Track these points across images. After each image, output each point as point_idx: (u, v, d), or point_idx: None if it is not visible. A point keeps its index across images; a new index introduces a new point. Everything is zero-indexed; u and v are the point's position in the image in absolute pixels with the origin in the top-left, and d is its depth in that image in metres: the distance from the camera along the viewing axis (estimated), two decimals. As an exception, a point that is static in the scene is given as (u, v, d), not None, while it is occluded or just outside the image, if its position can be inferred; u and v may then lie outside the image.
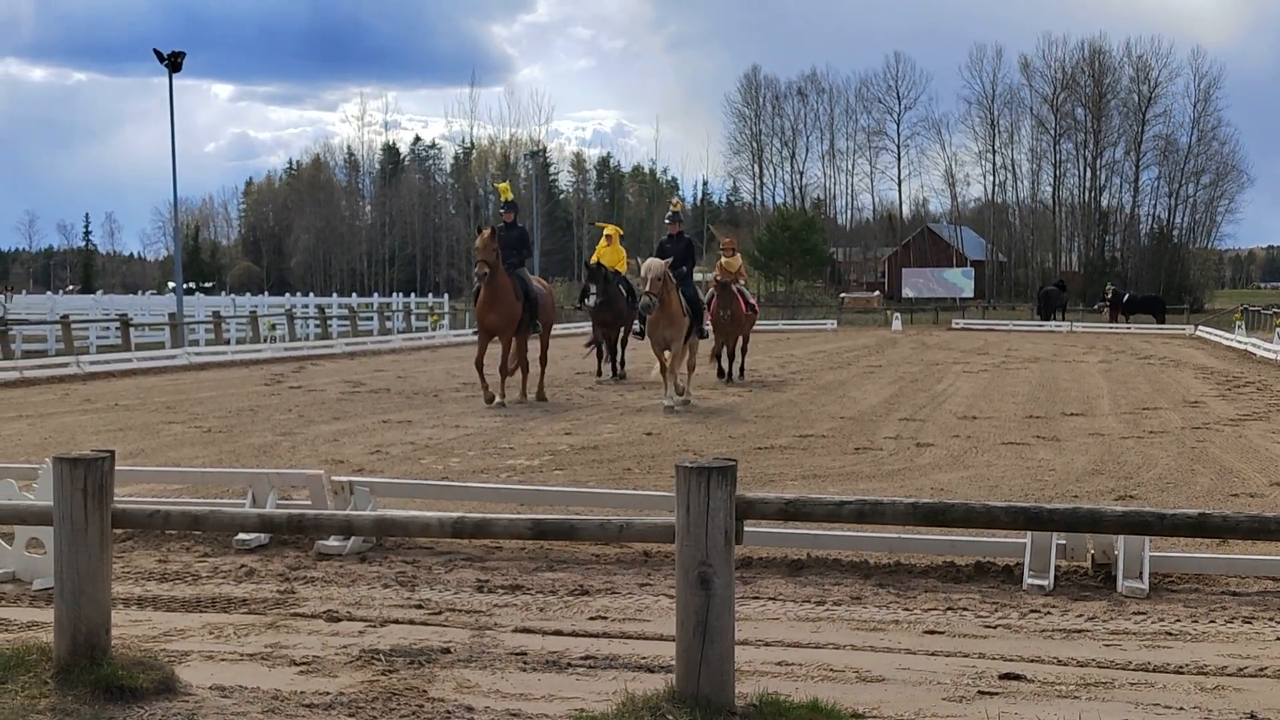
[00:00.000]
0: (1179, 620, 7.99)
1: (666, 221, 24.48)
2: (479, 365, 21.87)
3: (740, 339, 27.36)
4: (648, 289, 20.47)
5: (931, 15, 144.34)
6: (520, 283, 22.32)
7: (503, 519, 6.52)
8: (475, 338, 22.86)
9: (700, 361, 24.17)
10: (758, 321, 31.87)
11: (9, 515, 7.13)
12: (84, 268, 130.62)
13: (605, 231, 28.42)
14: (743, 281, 27.99)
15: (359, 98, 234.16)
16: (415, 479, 12.38)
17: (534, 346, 23.37)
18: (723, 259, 27.38)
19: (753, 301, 28.41)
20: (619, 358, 28.06)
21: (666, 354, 21.29)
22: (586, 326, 32.84)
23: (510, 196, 24.38)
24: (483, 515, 6.84)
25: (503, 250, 22.01)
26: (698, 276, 28.01)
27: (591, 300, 26.76)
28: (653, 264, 20.81)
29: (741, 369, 27.67)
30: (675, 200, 25.05)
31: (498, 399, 21.41)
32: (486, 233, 21.62)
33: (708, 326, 23.23)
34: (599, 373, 28.18)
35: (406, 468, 14.25)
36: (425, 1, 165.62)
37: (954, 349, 42.38)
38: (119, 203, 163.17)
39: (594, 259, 27.77)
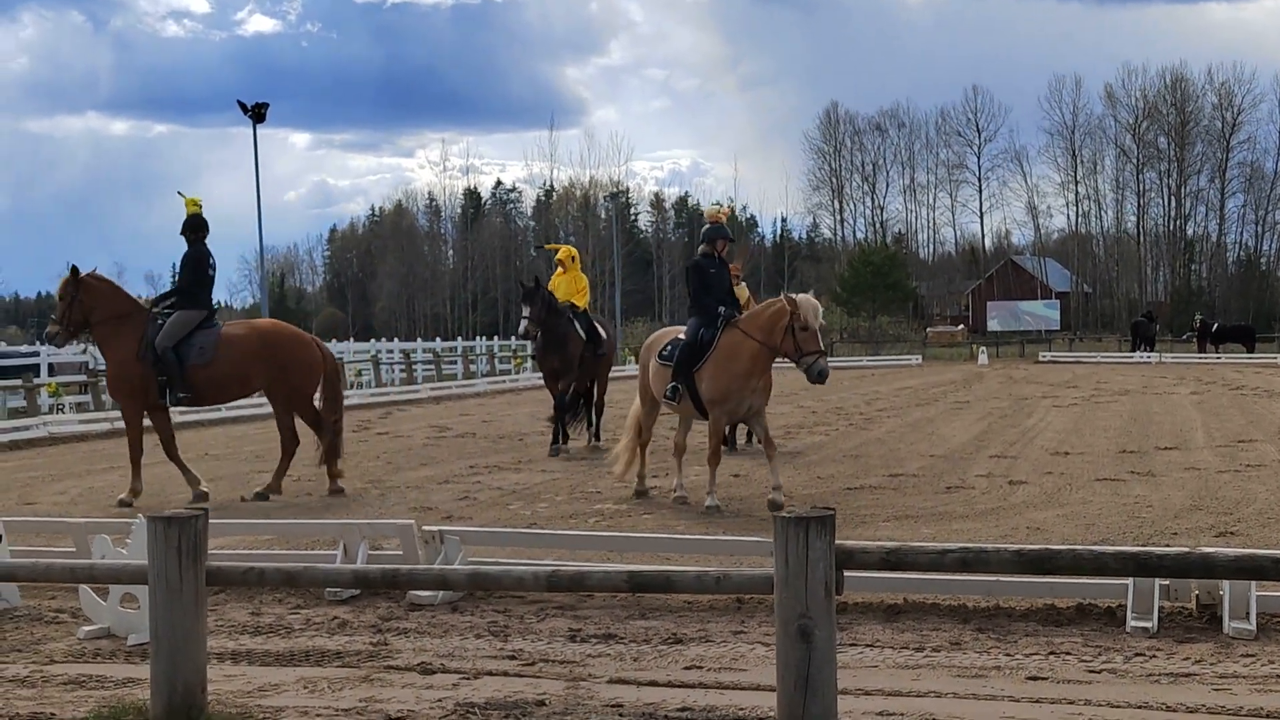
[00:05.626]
0: (1290, 663, 7.78)
1: (705, 242, 15.24)
2: (134, 452, 16.30)
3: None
4: (820, 347, 13.96)
5: (1008, 47, 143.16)
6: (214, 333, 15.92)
7: (598, 571, 6.45)
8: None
9: None
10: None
11: (105, 575, 7.17)
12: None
13: (556, 255, 21.88)
14: None
15: (439, 143, 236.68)
16: (505, 527, 12.38)
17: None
18: None
19: None
20: (567, 420, 20.49)
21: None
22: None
23: (197, 209, 16.74)
24: (577, 568, 6.79)
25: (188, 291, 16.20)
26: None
27: (521, 328, 20.04)
28: (812, 303, 14.06)
29: (764, 433, 19.09)
30: (716, 207, 16.17)
31: (125, 497, 15.88)
32: (65, 277, 15.81)
33: None
34: (555, 439, 20.38)
35: (495, 514, 14.23)
36: (497, 47, 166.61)
37: (1042, 383, 41.90)
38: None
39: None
